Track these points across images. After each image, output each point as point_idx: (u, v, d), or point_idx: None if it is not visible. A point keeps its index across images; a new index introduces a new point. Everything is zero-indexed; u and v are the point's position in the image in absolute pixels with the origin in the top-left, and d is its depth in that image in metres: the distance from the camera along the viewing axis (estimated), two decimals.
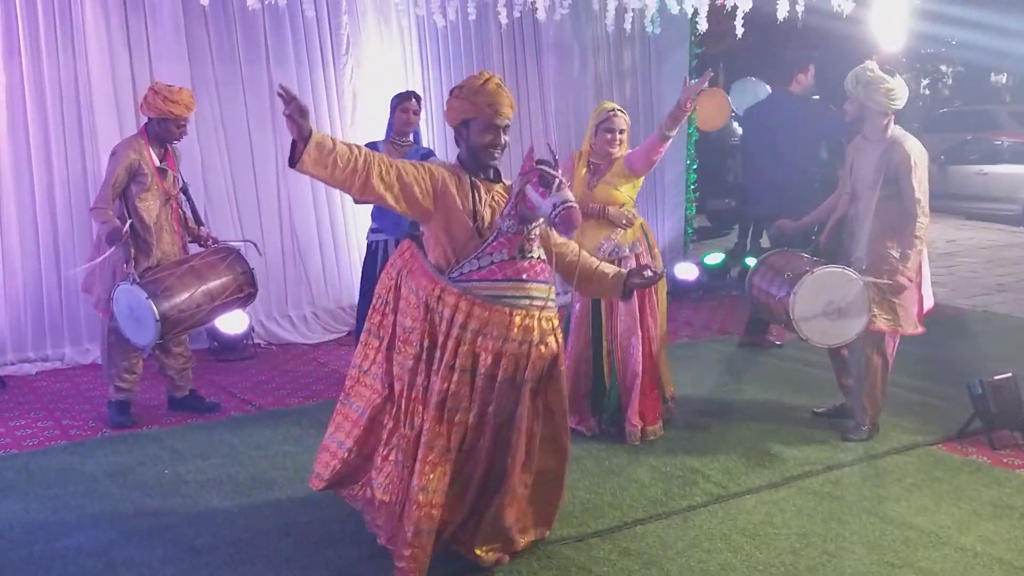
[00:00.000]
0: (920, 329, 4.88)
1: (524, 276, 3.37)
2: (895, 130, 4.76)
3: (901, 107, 4.71)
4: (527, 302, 3.36)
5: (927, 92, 26.02)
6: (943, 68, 26.21)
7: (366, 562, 3.62)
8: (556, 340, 3.49)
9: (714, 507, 4.13)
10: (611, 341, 4.95)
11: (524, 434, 3.43)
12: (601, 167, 4.95)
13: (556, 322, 3.49)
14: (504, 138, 3.42)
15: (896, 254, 4.68)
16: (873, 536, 3.86)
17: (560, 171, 3.30)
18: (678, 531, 3.91)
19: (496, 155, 3.43)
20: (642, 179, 5.02)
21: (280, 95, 3.02)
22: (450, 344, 3.31)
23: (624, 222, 4.93)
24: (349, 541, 3.79)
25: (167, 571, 3.57)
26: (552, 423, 3.58)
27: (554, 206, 3.19)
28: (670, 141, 4.77)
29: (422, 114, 5.83)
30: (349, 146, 3.22)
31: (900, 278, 4.67)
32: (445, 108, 3.53)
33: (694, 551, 3.73)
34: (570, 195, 3.22)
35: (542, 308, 3.40)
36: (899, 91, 4.66)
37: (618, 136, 4.90)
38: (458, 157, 3.54)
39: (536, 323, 3.38)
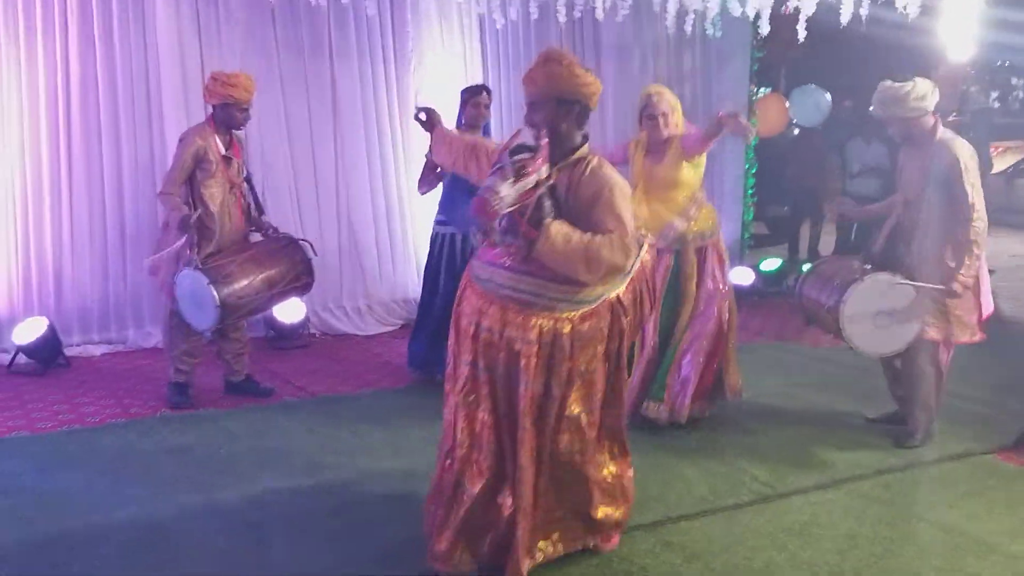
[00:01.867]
0: (979, 336, 4.78)
1: (490, 259, 3.32)
2: (943, 132, 4.65)
3: (935, 102, 4.60)
4: (492, 285, 3.30)
5: (997, 105, 25.43)
6: (1014, 81, 25.59)
7: (415, 542, 3.65)
8: (530, 342, 3.22)
9: (760, 506, 4.12)
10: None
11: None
12: (659, 149, 4.92)
13: (537, 325, 3.23)
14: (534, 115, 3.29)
15: (952, 262, 4.57)
16: (922, 540, 3.82)
17: (540, 160, 3.16)
18: (723, 528, 3.91)
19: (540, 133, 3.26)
20: (704, 159, 4.96)
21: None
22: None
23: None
24: (399, 523, 3.85)
25: (221, 543, 3.68)
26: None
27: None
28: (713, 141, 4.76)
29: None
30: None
31: (955, 284, 4.54)
32: None
33: (738, 548, 3.72)
34: (496, 184, 3.06)
35: (507, 298, 3.26)
36: (926, 90, 4.56)
37: (660, 120, 4.84)
38: None
39: (502, 313, 3.26)
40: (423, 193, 5.89)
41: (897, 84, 4.60)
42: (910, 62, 11.98)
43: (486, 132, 5.81)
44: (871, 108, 4.89)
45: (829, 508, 4.10)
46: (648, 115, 4.90)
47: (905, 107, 4.58)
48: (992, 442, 4.89)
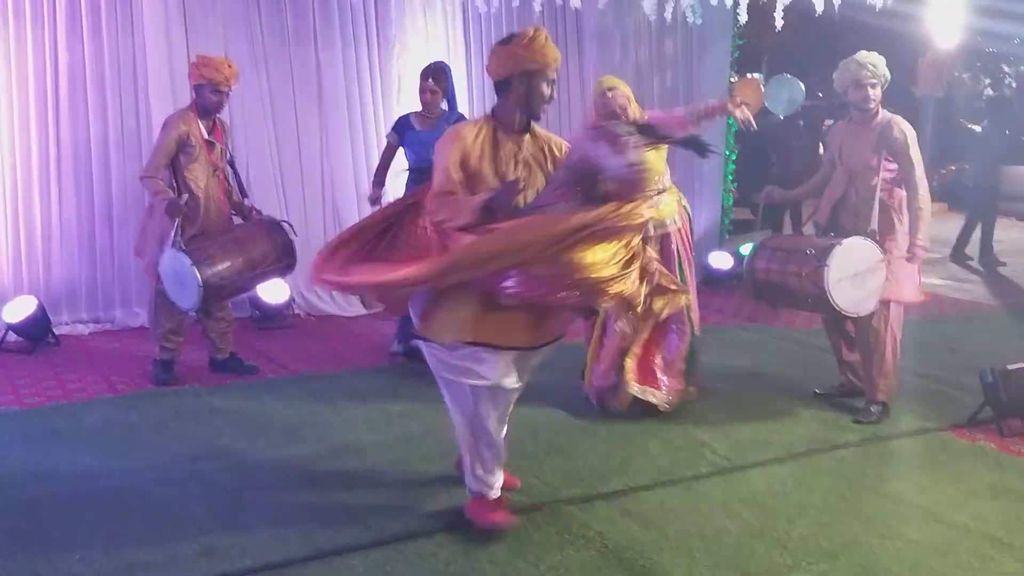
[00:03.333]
0: (923, 296, 5.21)
1: None
2: (884, 112, 5.03)
3: (886, 75, 5.01)
4: None
5: (989, 92, 25.48)
6: (1005, 68, 25.63)
7: (383, 510, 3.86)
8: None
9: (717, 478, 4.29)
10: None
11: None
12: None
13: None
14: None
15: (904, 228, 4.97)
16: (869, 510, 3.98)
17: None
18: (680, 498, 4.08)
19: (546, 108, 3.58)
20: (666, 146, 5.03)
21: None
22: None
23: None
24: (368, 492, 4.04)
25: (198, 508, 3.85)
26: None
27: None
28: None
29: (469, 93, 5.97)
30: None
31: (916, 249, 4.92)
32: (491, 60, 3.57)
33: (693, 516, 3.89)
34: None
35: None
36: (878, 59, 4.98)
37: (620, 114, 4.81)
38: (493, 110, 3.62)
39: None
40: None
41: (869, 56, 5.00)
42: (894, 48, 12.08)
43: (452, 105, 5.90)
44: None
45: (783, 480, 4.28)
46: (608, 111, 4.83)
47: (861, 70, 4.92)
48: (946, 420, 5.06)
